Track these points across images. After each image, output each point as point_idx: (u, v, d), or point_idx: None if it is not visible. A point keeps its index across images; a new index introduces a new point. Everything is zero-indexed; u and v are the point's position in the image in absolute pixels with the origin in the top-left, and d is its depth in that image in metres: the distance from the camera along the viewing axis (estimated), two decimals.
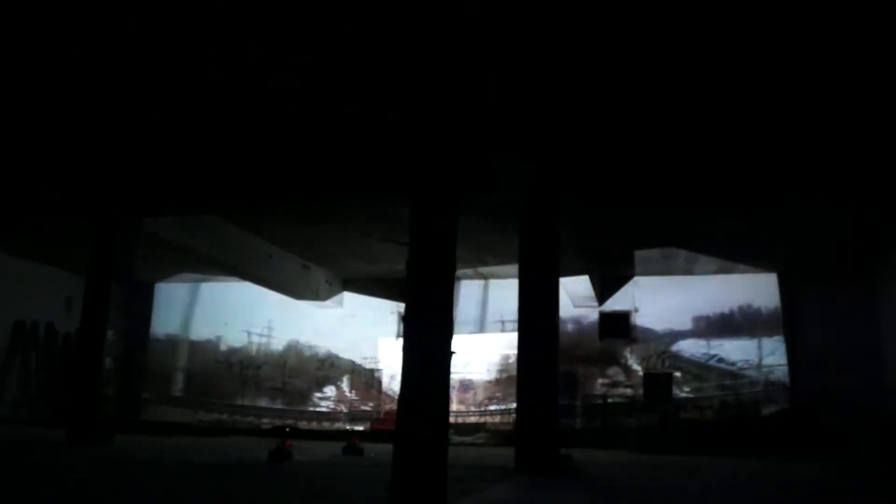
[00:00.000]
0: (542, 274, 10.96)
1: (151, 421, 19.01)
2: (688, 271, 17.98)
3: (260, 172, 12.56)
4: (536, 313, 10.81)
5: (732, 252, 16.03)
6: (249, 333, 20.83)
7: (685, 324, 18.47)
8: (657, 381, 18.25)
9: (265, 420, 19.87)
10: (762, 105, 9.22)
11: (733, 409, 17.51)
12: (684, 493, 8.29)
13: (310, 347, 20.66)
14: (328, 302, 20.09)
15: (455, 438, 17.03)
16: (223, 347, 20.95)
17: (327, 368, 20.39)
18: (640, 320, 18.62)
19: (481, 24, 7.03)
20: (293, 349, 20.77)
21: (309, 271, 19.09)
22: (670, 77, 8.60)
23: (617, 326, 18.89)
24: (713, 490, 8.75)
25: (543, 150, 10.35)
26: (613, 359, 18.85)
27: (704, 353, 18.22)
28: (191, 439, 15.74)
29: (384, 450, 8.74)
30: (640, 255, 16.67)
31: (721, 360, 18.06)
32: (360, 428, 19.23)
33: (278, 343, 20.84)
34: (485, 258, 17.09)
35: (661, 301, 18.37)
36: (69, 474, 8.34)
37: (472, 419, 19.22)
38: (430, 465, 6.08)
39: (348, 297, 20.54)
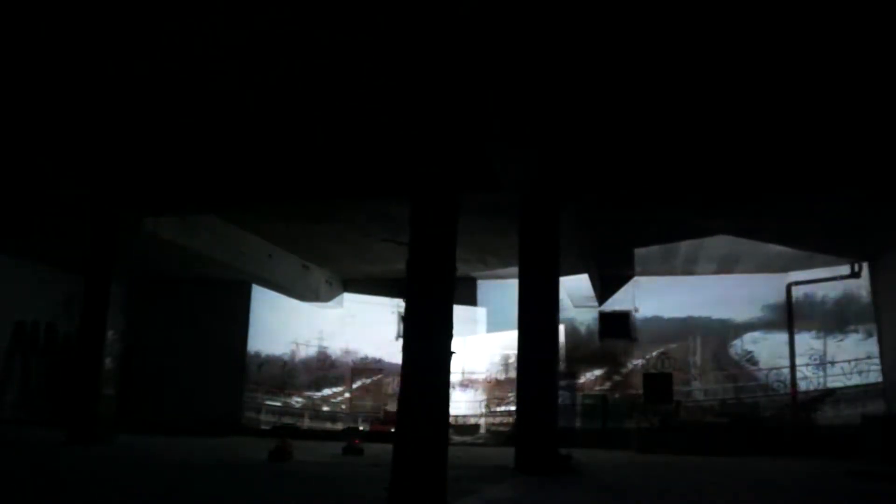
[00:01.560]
0: (542, 274, 10.96)
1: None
2: (688, 271, 17.99)
3: (259, 172, 12.57)
4: (536, 313, 10.81)
5: (811, 242, 15.29)
6: (297, 344, 20.87)
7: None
8: (657, 381, 18.26)
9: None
10: (763, 99, 9.19)
11: (734, 408, 17.53)
12: (684, 493, 8.29)
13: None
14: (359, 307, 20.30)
15: (455, 438, 17.06)
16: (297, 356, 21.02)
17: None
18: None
19: (480, 24, 7.03)
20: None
21: (309, 271, 19.11)
22: (671, 75, 8.60)
23: (617, 326, 18.91)
24: (713, 490, 8.74)
25: (543, 149, 10.35)
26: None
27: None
28: (192, 439, 15.74)
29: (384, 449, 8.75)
30: (639, 254, 16.68)
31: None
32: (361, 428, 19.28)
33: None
34: (485, 258, 17.09)
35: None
36: (68, 474, 8.34)
37: (472, 420, 19.27)
38: (430, 465, 6.08)
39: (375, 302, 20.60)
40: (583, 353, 18.94)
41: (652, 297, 18.66)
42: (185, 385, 19.26)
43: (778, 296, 17.95)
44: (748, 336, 18.12)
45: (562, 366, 18.54)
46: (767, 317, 18.04)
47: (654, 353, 18.53)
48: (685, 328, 18.44)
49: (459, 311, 19.97)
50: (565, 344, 18.68)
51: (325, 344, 20.81)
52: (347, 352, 20.66)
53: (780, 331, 17.86)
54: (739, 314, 18.18)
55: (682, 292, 18.39)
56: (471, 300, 19.01)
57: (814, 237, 14.79)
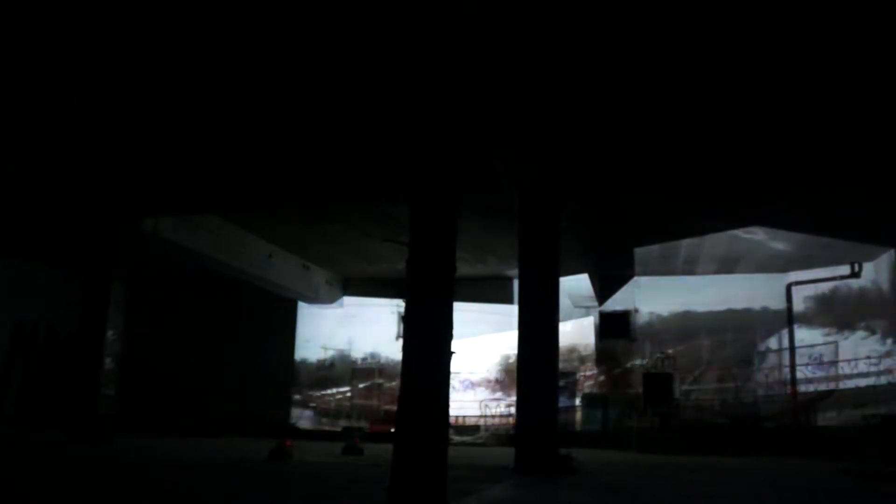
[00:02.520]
0: (542, 274, 10.95)
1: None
2: (688, 271, 17.98)
3: (260, 173, 12.57)
4: (536, 313, 10.81)
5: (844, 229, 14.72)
6: (326, 349, 21.07)
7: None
8: (657, 382, 18.25)
9: None
10: (763, 97, 9.18)
11: (734, 409, 17.51)
12: (684, 494, 8.28)
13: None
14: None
15: (455, 438, 17.04)
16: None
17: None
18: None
19: (481, 25, 7.03)
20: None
21: (309, 271, 19.11)
22: (672, 76, 8.60)
23: (617, 326, 18.90)
24: (713, 490, 8.74)
25: (543, 148, 10.35)
26: None
27: None
28: (192, 439, 15.74)
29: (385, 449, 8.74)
30: (639, 254, 16.66)
31: None
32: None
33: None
34: (485, 258, 17.09)
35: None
36: (68, 474, 8.33)
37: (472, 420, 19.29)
38: (430, 465, 6.07)
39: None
40: (587, 353, 18.99)
41: (655, 297, 18.65)
42: (233, 388, 19.86)
43: (789, 296, 17.91)
44: (758, 335, 18.10)
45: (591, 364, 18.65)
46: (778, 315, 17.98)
47: (658, 354, 18.51)
48: (692, 327, 18.42)
49: (496, 309, 19.61)
50: (595, 344, 18.83)
51: (344, 347, 21.02)
52: (373, 355, 20.86)
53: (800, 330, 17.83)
54: (747, 313, 18.16)
55: (687, 292, 18.38)
56: (507, 299, 19.01)
57: (836, 227, 14.48)
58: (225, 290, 19.71)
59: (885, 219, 13.91)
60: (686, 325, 18.48)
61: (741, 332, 18.12)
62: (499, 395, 19.42)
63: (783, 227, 14.54)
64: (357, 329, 20.79)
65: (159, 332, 20.60)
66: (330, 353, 20.91)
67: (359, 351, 20.81)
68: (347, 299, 21.01)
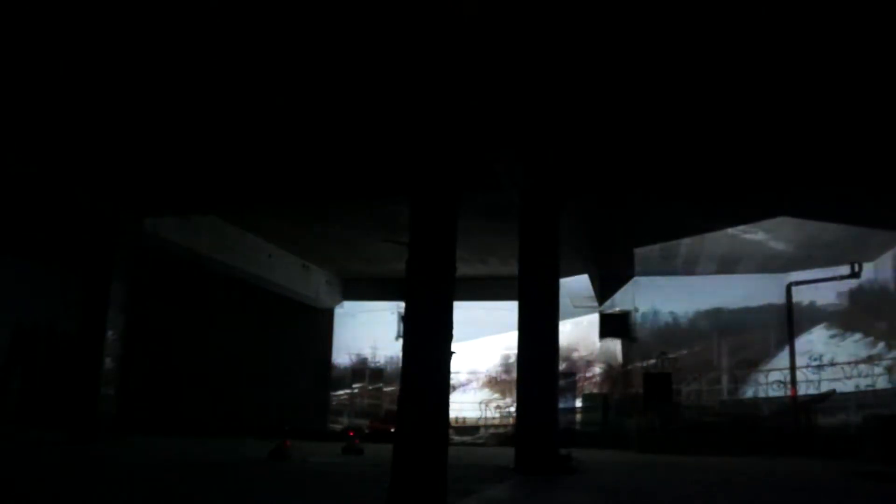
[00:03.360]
0: (542, 274, 10.95)
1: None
2: (688, 271, 17.98)
3: (260, 173, 12.57)
4: (536, 313, 10.81)
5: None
6: (348, 355, 21.21)
7: None
8: (657, 381, 18.24)
9: None
10: (763, 96, 9.19)
11: (734, 409, 17.51)
12: (683, 494, 8.28)
13: None
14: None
15: (455, 438, 17.05)
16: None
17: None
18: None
19: (481, 25, 7.04)
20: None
21: (309, 271, 19.11)
22: (671, 74, 8.60)
23: (617, 326, 18.90)
24: (713, 490, 8.74)
25: (543, 148, 10.35)
26: None
27: None
28: (191, 439, 15.74)
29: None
30: (639, 254, 16.66)
31: None
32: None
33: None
34: (485, 258, 17.09)
35: None
36: (69, 474, 8.33)
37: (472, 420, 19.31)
38: (430, 465, 6.07)
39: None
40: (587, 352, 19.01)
41: (655, 297, 18.64)
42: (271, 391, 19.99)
43: (789, 296, 17.89)
44: (758, 336, 18.09)
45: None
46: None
47: (661, 354, 18.52)
48: (692, 327, 18.42)
49: (497, 306, 19.60)
50: (595, 343, 18.82)
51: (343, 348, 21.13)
52: (373, 355, 20.92)
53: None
54: (747, 313, 18.15)
55: (687, 292, 18.37)
56: (507, 299, 18.96)
57: (838, 222, 14.30)
58: (228, 289, 19.68)
59: (887, 216, 13.90)
60: (686, 325, 18.48)
61: (741, 332, 18.11)
62: (498, 395, 19.43)
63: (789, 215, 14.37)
64: (356, 329, 20.80)
65: (159, 332, 20.55)
66: (345, 357, 20.98)
67: (358, 351, 20.83)
68: (346, 301, 21.05)
